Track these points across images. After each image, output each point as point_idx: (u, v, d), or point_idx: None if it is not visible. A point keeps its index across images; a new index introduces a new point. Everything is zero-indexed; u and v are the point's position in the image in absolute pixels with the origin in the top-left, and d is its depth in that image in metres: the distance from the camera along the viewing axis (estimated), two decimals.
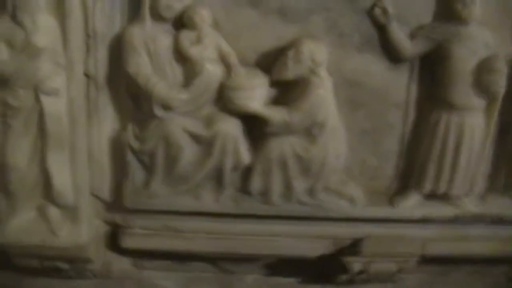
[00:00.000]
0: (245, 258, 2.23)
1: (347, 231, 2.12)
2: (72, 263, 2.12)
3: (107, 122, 2.01)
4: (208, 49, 1.90)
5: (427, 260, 2.19)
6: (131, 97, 1.98)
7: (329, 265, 2.22)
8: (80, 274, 2.22)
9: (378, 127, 2.04)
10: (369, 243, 2.10)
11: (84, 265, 2.15)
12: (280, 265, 2.31)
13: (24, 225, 2.02)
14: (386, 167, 2.10)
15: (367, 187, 2.09)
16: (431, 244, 2.12)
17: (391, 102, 2.02)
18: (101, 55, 1.93)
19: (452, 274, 2.35)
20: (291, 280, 2.40)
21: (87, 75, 1.94)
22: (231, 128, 1.94)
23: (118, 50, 1.92)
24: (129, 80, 1.92)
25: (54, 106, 1.88)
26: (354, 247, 2.13)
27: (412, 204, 2.09)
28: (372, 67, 1.97)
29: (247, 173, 2.03)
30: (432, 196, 2.08)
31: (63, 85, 1.88)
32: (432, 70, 1.98)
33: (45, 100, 1.87)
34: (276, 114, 1.91)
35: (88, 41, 1.90)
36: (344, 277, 2.24)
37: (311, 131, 1.94)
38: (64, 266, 2.13)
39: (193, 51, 1.89)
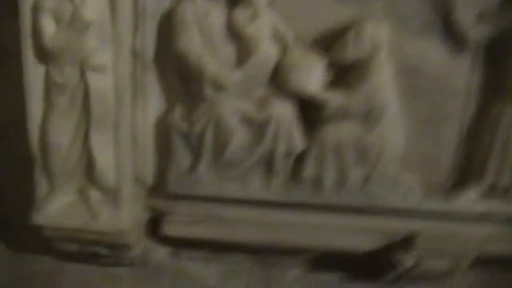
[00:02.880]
0: (289, 251, 2.06)
1: (400, 225, 1.93)
2: (111, 248, 1.96)
3: (153, 102, 1.85)
4: (263, 28, 1.72)
5: (479, 261, 2.00)
6: (179, 77, 1.82)
7: (377, 260, 2.05)
8: (118, 261, 2.07)
9: (437, 116, 1.85)
10: (423, 238, 1.91)
11: (124, 251, 1.99)
12: (323, 260, 2.14)
13: (65, 208, 1.86)
14: (443, 159, 1.90)
15: (423, 179, 1.89)
16: (490, 242, 1.92)
17: (452, 90, 1.82)
18: (150, 31, 1.77)
19: (505, 276, 2.15)
20: (333, 277, 2.22)
21: (134, 52, 1.78)
22: (285, 111, 1.77)
23: (167, 27, 1.76)
24: (179, 58, 1.76)
25: (100, 83, 1.73)
26: (407, 241, 1.93)
27: (470, 199, 1.89)
28: (433, 53, 1.78)
29: (299, 159, 1.85)
30: (492, 191, 1.88)
31: (109, 62, 1.72)
32: (497, 57, 1.78)
33: (91, 77, 1.71)
34: (333, 98, 1.73)
35: (137, 17, 1.74)
36: (391, 274, 2.07)
37: (369, 117, 1.76)
38: (103, 251, 1.97)
39: (248, 30, 1.71)
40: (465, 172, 1.91)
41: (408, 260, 1.96)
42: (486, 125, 1.84)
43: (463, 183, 1.91)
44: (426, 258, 1.96)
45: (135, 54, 1.79)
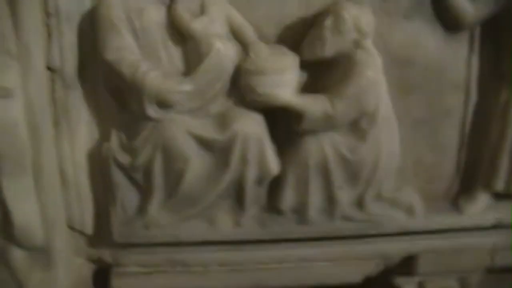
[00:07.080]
0: None
1: (401, 247, 1.53)
2: None
3: (82, 130, 1.38)
4: (216, 22, 1.28)
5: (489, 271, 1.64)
6: (113, 95, 1.34)
7: (374, 285, 1.64)
8: None
9: (434, 114, 1.46)
10: (426, 260, 1.53)
11: None
12: None
13: None
14: (445, 164, 1.51)
15: (423, 192, 1.50)
16: (501, 253, 1.56)
17: (449, 81, 1.44)
18: (68, 40, 1.30)
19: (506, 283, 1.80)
20: None
21: (50, 68, 1.30)
22: (253, 127, 1.31)
23: (91, 32, 1.30)
24: (110, 71, 1.28)
25: (7, 112, 1.22)
26: (408, 264, 1.55)
27: (481, 208, 1.51)
28: (424, 38, 1.40)
29: (276, 186, 1.41)
30: (503, 195, 1.50)
31: (17, 83, 1.23)
32: (497, 39, 1.41)
33: None
34: (314, 105, 1.29)
35: (49, 22, 1.27)
36: None
37: (359, 124, 1.33)
38: None
39: (196, 26, 1.26)
40: (472, 177, 1.53)
41: (409, 287, 1.58)
42: (492, 118, 1.46)
43: (470, 190, 1.53)
44: (430, 281, 1.59)
45: (52, 70, 1.30)
